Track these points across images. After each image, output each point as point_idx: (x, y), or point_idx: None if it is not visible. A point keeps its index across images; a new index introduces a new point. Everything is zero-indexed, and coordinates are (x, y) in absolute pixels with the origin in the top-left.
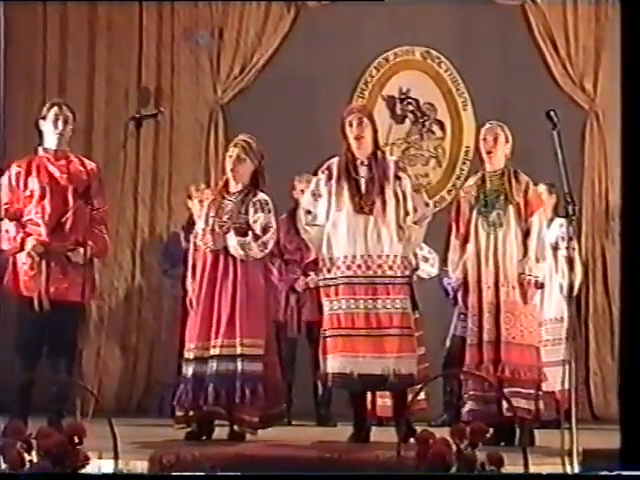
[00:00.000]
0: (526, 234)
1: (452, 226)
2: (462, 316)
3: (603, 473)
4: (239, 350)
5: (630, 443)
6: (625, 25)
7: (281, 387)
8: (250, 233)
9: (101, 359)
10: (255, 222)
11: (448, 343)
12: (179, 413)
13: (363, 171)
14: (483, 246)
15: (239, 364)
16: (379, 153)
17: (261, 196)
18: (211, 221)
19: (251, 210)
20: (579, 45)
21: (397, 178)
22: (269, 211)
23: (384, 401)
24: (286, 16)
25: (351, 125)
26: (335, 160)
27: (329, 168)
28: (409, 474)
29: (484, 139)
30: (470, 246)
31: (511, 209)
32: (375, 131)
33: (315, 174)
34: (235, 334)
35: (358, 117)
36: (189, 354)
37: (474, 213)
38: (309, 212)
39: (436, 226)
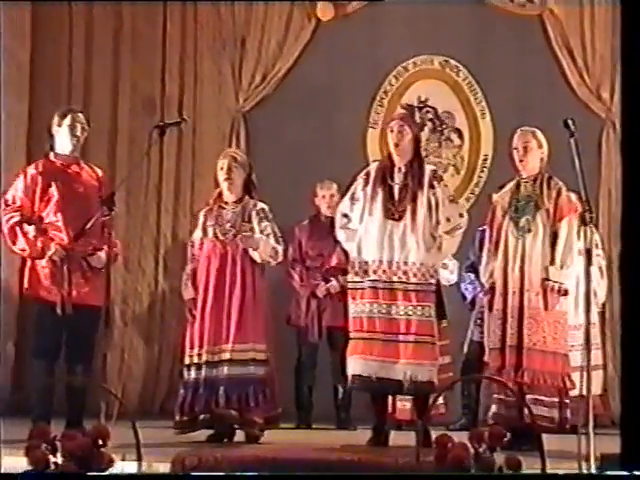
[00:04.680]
0: (554, 240)
1: (486, 231)
2: (479, 321)
3: (617, 473)
4: (251, 355)
5: (631, 447)
6: (625, 30)
7: (278, 390)
8: (273, 240)
9: (125, 363)
10: (263, 231)
11: (466, 349)
12: (179, 418)
13: (398, 178)
14: (511, 251)
15: (251, 368)
16: (417, 161)
17: (261, 205)
18: (210, 230)
19: (255, 219)
20: (596, 54)
21: (431, 187)
22: (271, 219)
23: (403, 404)
24: (307, 26)
25: (392, 132)
26: (375, 165)
27: (367, 173)
28: (427, 474)
29: (515, 148)
30: (499, 251)
31: (540, 214)
32: (417, 140)
33: (354, 179)
34: (246, 339)
35: (399, 125)
36: (197, 358)
37: (506, 218)
38: (345, 215)
39: None
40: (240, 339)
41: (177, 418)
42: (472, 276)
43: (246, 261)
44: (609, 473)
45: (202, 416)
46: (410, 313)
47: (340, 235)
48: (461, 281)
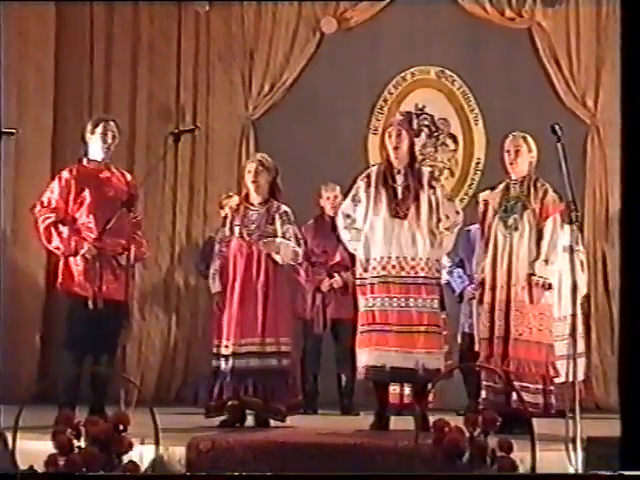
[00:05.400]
0: (539, 237)
1: (478, 230)
2: (468, 314)
3: (604, 473)
4: (275, 348)
5: (630, 433)
6: (625, 40)
7: (298, 380)
8: (294, 242)
9: (142, 354)
10: (285, 233)
11: (459, 339)
12: (211, 404)
13: (400, 179)
14: (500, 248)
15: (275, 360)
16: (415, 163)
17: (284, 208)
18: (237, 229)
19: (278, 221)
20: (581, 65)
21: (431, 187)
22: (293, 222)
23: (394, 389)
24: (312, 39)
25: (390, 136)
26: (374, 168)
27: (368, 176)
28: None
29: (507, 151)
30: (489, 248)
31: (527, 214)
32: (412, 143)
33: (354, 182)
34: (271, 333)
35: (397, 129)
36: (225, 350)
37: (496, 218)
38: (348, 216)
39: None
40: (265, 333)
41: (207, 402)
42: (460, 271)
43: (269, 261)
44: (598, 473)
45: (230, 402)
46: (420, 305)
47: (344, 235)
48: (451, 275)
